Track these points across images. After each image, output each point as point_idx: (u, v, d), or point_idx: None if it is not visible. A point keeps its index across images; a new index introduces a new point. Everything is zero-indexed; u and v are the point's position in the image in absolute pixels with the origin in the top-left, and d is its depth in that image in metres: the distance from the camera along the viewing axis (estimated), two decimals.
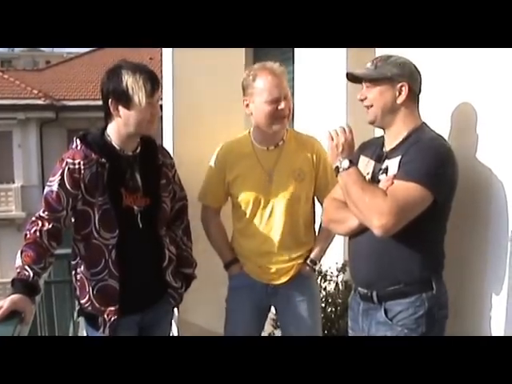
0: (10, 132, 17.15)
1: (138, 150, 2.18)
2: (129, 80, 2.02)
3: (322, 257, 2.47)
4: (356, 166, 1.97)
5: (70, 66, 20.18)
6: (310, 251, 2.44)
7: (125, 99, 2.03)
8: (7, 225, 16.43)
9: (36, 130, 17.23)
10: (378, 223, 1.80)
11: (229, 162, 2.43)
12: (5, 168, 16.90)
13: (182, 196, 2.41)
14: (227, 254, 2.51)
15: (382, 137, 2.09)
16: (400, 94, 1.95)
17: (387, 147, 2.01)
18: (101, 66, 17.55)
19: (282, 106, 2.27)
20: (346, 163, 1.94)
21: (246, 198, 2.39)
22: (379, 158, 2.02)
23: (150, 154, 2.22)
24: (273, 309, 2.55)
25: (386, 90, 1.96)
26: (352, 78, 2.06)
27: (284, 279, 2.41)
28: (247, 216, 2.41)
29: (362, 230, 1.95)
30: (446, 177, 1.87)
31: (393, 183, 1.86)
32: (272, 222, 2.37)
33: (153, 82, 2.05)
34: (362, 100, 2.01)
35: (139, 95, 2.01)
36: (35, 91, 17.03)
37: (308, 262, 2.41)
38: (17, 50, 37.80)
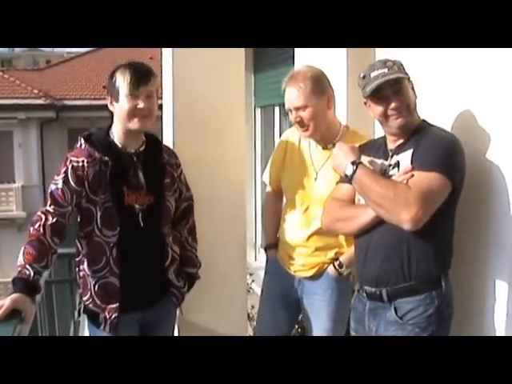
0: (11, 132, 17.13)
1: (141, 148, 2.20)
2: (118, 73, 2.10)
3: (351, 263, 2.32)
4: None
5: (70, 65, 20.18)
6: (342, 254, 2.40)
7: (114, 92, 2.10)
8: (8, 225, 16.42)
9: (36, 129, 17.20)
10: (407, 216, 1.77)
11: (289, 149, 2.49)
12: (5, 168, 16.89)
13: (188, 196, 2.42)
14: (269, 237, 2.60)
15: (381, 138, 2.08)
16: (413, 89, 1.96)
17: (392, 145, 2.00)
18: (101, 65, 17.60)
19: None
20: (350, 169, 1.92)
21: (290, 186, 2.46)
22: (385, 155, 2.01)
23: (153, 152, 2.23)
24: None
25: (409, 87, 1.95)
26: (376, 91, 1.91)
27: (307, 274, 2.42)
28: (289, 204, 2.48)
29: (373, 226, 1.94)
30: (457, 165, 1.87)
31: (413, 175, 1.84)
32: (308, 216, 2.38)
33: (140, 75, 2.09)
34: (397, 108, 1.91)
35: (123, 86, 2.07)
36: (35, 91, 17.01)
37: (335, 263, 2.38)
38: (17, 49, 37.79)
